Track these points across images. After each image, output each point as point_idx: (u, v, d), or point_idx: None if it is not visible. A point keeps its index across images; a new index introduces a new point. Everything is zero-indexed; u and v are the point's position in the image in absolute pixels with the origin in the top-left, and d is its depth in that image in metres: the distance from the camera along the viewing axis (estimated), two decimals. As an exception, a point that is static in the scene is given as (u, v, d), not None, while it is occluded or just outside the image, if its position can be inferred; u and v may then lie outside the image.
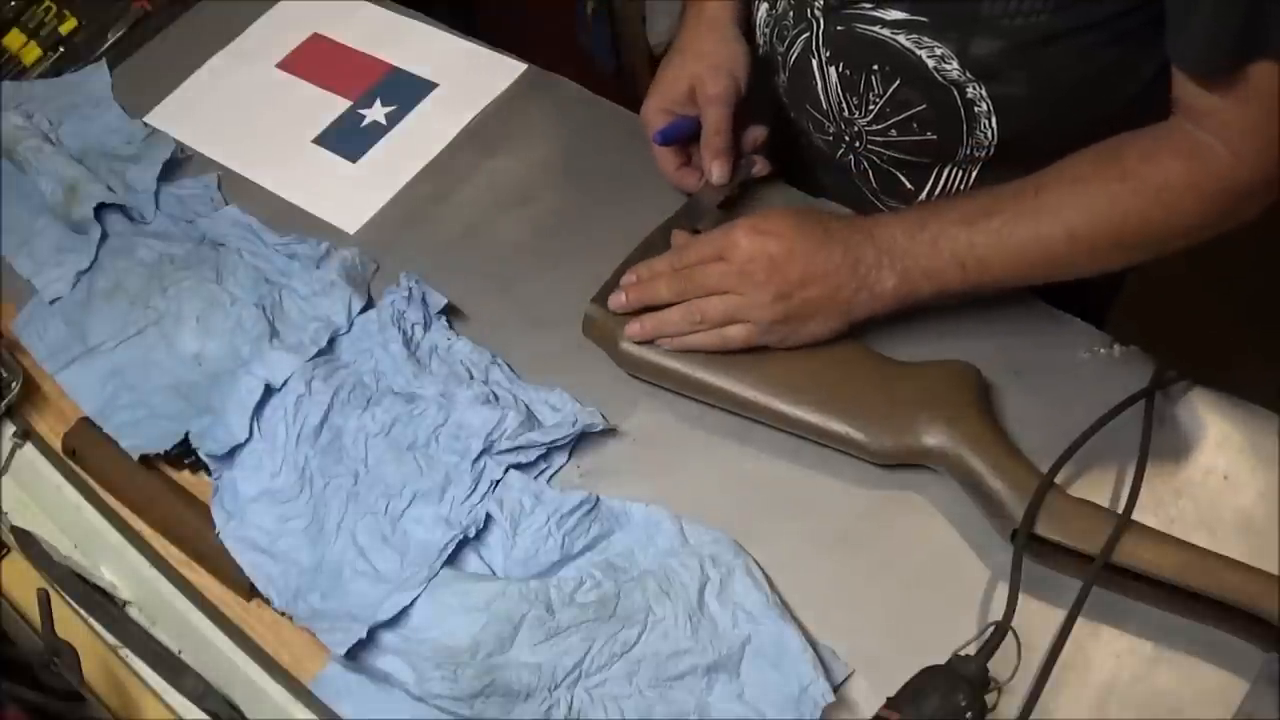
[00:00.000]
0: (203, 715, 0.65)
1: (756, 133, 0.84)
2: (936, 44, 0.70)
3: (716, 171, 0.80)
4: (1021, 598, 0.60)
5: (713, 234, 0.72)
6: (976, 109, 0.72)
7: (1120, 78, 0.71)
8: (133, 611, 0.72)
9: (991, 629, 0.58)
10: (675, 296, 0.72)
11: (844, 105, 0.79)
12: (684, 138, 0.82)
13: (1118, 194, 0.65)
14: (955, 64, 0.70)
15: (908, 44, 0.71)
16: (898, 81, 0.74)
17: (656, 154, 0.83)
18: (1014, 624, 0.58)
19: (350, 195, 0.90)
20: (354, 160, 0.93)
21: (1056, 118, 0.72)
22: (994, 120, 0.73)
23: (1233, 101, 0.62)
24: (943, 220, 0.68)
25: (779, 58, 0.82)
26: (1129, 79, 0.71)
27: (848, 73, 0.76)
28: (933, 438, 0.66)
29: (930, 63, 0.71)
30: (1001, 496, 0.63)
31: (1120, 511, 0.62)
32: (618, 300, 0.73)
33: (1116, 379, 0.70)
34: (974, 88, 0.71)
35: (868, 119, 0.78)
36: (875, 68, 0.74)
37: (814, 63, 0.78)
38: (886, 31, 0.72)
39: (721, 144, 0.80)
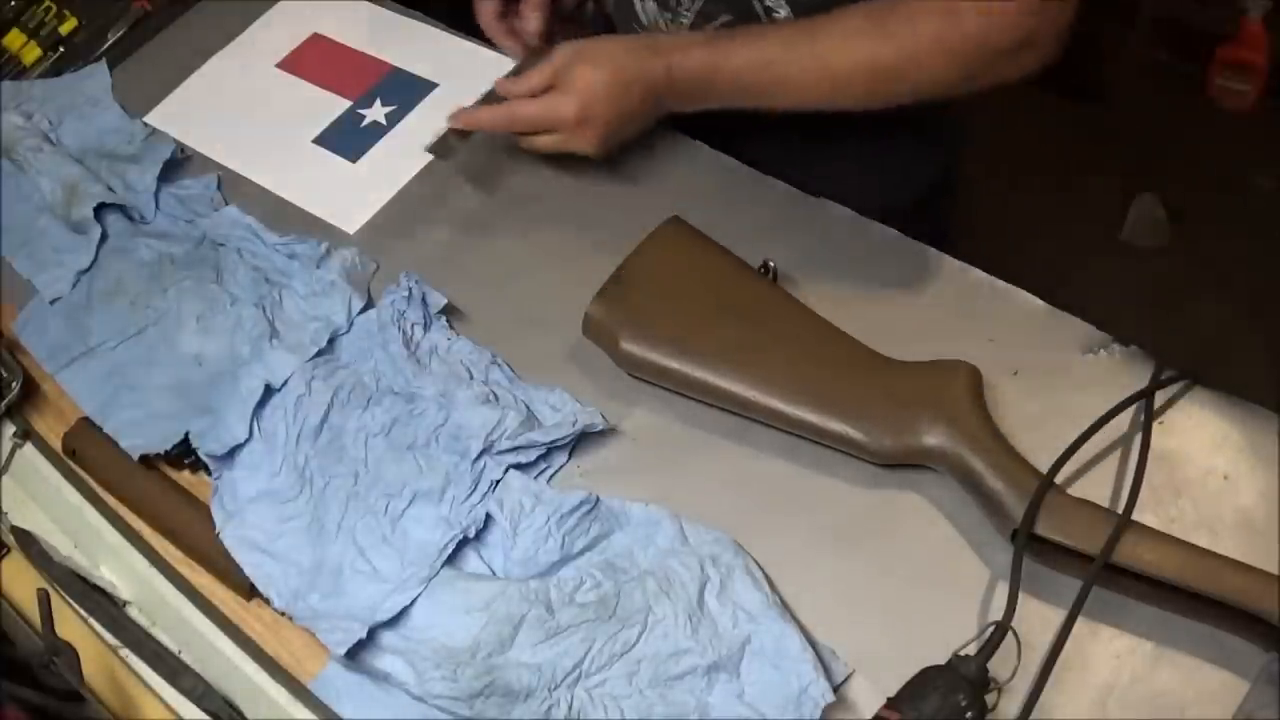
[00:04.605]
0: (202, 715, 0.65)
1: None
2: None
3: (533, 22, 0.88)
4: (1021, 598, 0.60)
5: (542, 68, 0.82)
6: (775, 15, 0.83)
7: None
8: (132, 611, 0.72)
9: (991, 629, 0.58)
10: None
11: (660, 21, 0.89)
12: None
13: (878, 52, 0.75)
14: None
15: None
16: None
17: (477, 4, 0.91)
18: (1014, 624, 0.58)
19: (350, 195, 0.90)
20: (354, 160, 0.93)
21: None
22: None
23: None
24: (732, 67, 0.78)
25: None
26: None
27: None
28: (933, 438, 0.66)
29: None
30: (1001, 496, 0.63)
31: (1120, 511, 0.62)
32: (458, 119, 0.84)
33: (1116, 379, 0.70)
34: None
35: (682, 30, 0.88)
36: None
37: None
38: None
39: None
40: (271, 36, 1.04)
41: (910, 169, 0.98)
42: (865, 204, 0.86)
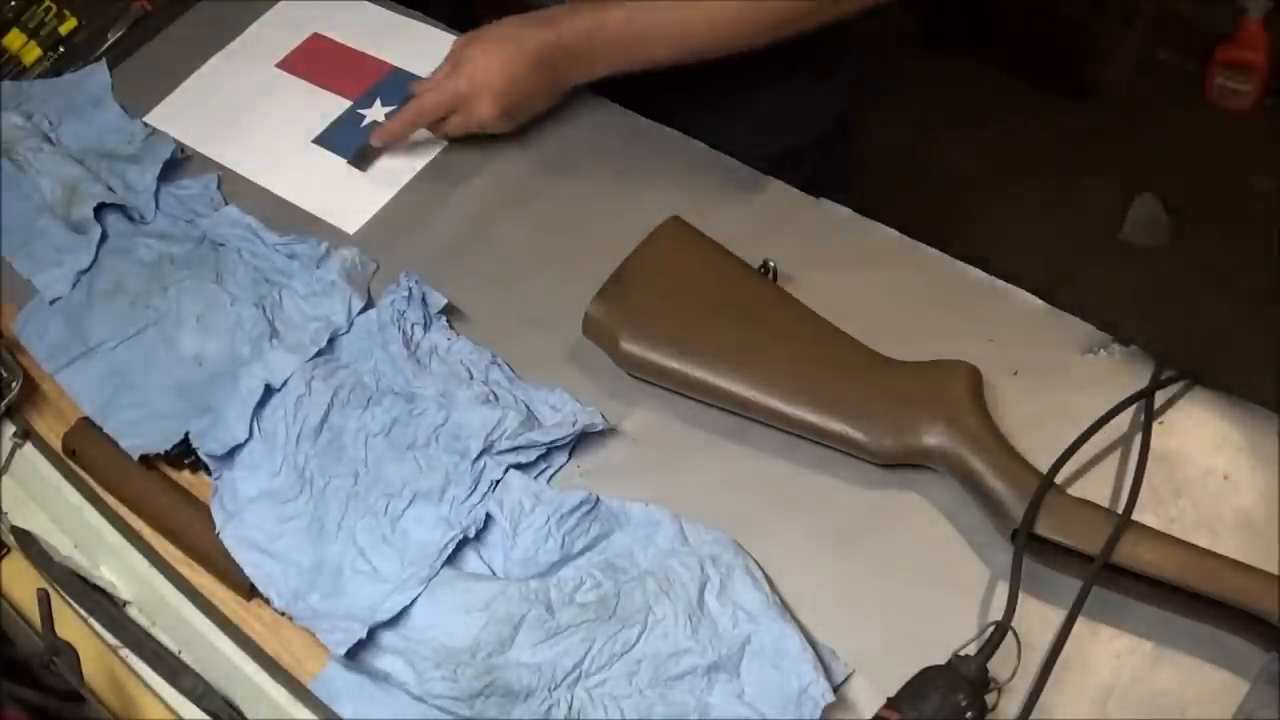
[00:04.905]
0: (202, 715, 0.65)
1: None
2: None
3: None
4: (1021, 598, 0.60)
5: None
6: None
7: None
8: (132, 611, 0.72)
9: (991, 629, 0.58)
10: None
11: None
12: None
13: None
14: None
15: None
16: None
17: None
18: (1014, 624, 0.58)
19: (350, 195, 0.90)
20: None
21: None
22: None
23: None
24: (613, 20, 0.84)
25: None
26: None
27: None
28: (933, 438, 0.66)
29: None
30: (1001, 496, 0.63)
31: (1120, 511, 0.62)
32: (380, 135, 0.90)
33: (1116, 379, 0.70)
34: None
35: None
36: None
37: None
38: None
39: None
40: (271, 36, 1.04)
41: (811, 111, 1.02)
42: (770, 148, 0.89)
